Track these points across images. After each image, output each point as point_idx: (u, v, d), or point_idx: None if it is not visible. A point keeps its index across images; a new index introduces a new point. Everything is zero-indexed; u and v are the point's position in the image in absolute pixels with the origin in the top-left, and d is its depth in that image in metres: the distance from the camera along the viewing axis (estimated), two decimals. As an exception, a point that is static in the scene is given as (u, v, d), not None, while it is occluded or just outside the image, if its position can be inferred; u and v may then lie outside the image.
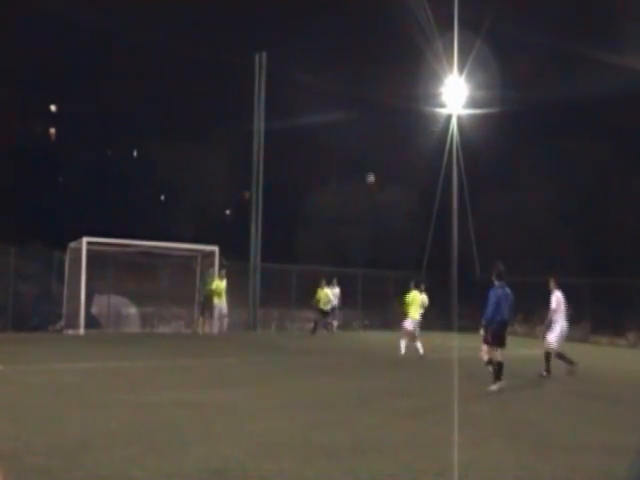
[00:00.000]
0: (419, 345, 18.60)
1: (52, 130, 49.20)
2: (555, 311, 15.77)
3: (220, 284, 25.52)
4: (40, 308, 24.59)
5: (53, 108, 48.98)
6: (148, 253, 26.88)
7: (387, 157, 38.56)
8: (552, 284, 15.89)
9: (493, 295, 13.20)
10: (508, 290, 13.43)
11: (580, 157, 33.66)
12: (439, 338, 25.70)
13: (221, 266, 26.22)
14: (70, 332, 23.82)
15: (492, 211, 36.15)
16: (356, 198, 40.24)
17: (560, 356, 15.80)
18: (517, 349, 23.31)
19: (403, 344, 18.90)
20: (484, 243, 34.34)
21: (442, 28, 33.20)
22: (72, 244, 25.15)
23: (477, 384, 14.06)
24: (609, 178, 34.73)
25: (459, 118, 35.32)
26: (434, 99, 35.71)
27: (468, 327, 30.17)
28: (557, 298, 15.85)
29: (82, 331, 23.81)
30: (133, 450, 7.75)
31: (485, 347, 13.48)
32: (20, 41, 36.33)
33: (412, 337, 18.87)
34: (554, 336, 15.81)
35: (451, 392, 12.20)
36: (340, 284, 28.65)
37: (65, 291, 24.87)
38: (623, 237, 34.42)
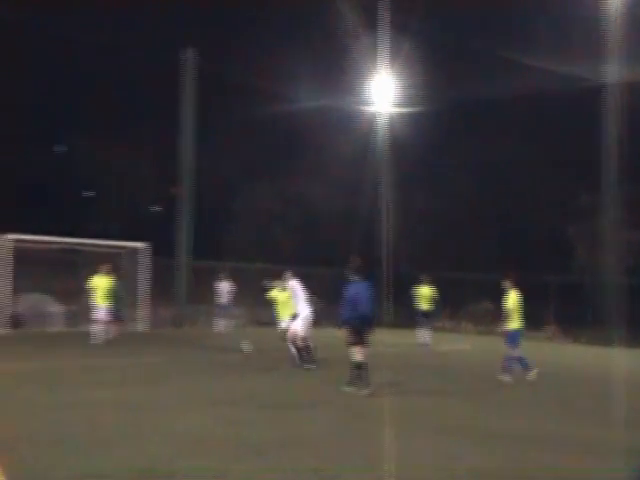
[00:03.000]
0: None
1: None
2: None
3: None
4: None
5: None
6: (73, 250, 26.40)
7: (314, 154, 38.73)
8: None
9: (351, 291, 12.36)
10: (366, 284, 12.54)
11: (498, 154, 34.64)
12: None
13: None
14: (-6, 331, 23.27)
15: (414, 207, 36.90)
16: (285, 196, 40.33)
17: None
18: (442, 345, 23.90)
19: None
20: (409, 241, 35.19)
21: (370, 26, 33.53)
22: (-4, 240, 24.53)
23: (401, 380, 14.37)
24: (525, 174, 35.88)
25: (385, 116, 35.81)
26: (361, 97, 36.09)
27: (400, 323, 30.67)
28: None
29: (3, 330, 23.31)
30: (55, 452, 7.65)
31: (356, 349, 12.45)
32: None
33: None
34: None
35: (378, 388, 12.43)
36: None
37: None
38: (537, 232, 35.71)
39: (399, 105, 35.70)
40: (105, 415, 9.73)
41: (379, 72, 34.72)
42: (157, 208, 48.25)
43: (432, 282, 23.51)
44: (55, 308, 26.59)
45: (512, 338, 15.09)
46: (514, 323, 15.15)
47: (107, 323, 20.65)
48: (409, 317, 31.25)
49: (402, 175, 35.15)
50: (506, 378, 14.82)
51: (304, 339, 16.10)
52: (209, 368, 15.82)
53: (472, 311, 33.40)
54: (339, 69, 35.93)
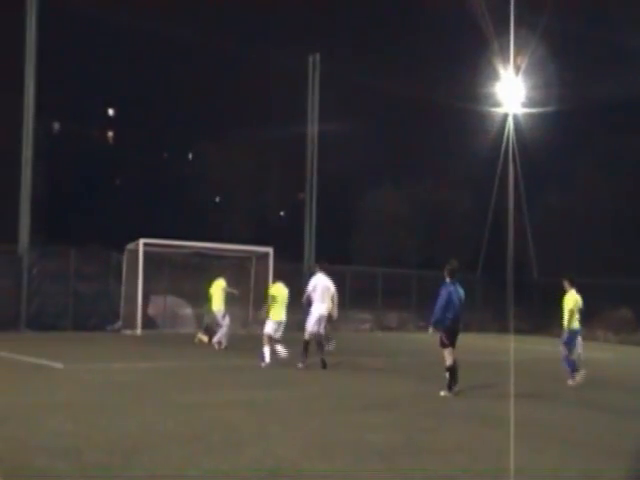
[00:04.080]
0: None
1: (110, 133, 50.15)
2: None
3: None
4: (98, 308, 25.03)
5: (111, 112, 49.91)
6: (203, 254, 27.11)
7: (442, 157, 38.28)
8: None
9: (444, 292, 12.48)
10: (460, 288, 12.75)
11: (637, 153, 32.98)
12: (494, 340, 25.36)
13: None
14: (127, 332, 24.20)
15: (549, 212, 35.62)
16: (411, 198, 40.01)
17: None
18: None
19: None
20: (541, 244, 33.84)
21: (498, 26, 32.81)
22: (129, 245, 25.53)
23: (535, 387, 13.85)
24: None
25: (516, 117, 34.86)
26: (490, 98, 35.31)
27: (524, 329, 29.76)
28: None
29: (139, 331, 24.16)
30: (189, 449, 7.82)
31: (446, 351, 12.52)
32: (77, 46, 37.11)
33: None
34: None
35: (507, 395, 12.02)
36: (394, 284, 28.38)
37: (122, 292, 25.26)
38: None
39: (530, 105, 34.67)
40: (235, 415, 9.85)
41: (509, 72, 33.87)
42: (282, 213, 49.04)
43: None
44: (187, 310, 27.36)
45: None
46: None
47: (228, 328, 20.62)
48: (535, 322, 30.26)
49: (534, 176, 34.07)
50: None
51: (311, 334, 15.81)
52: (336, 371, 15.78)
53: (609, 318, 31.76)
54: (467, 69, 35.33)
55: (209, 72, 41.96)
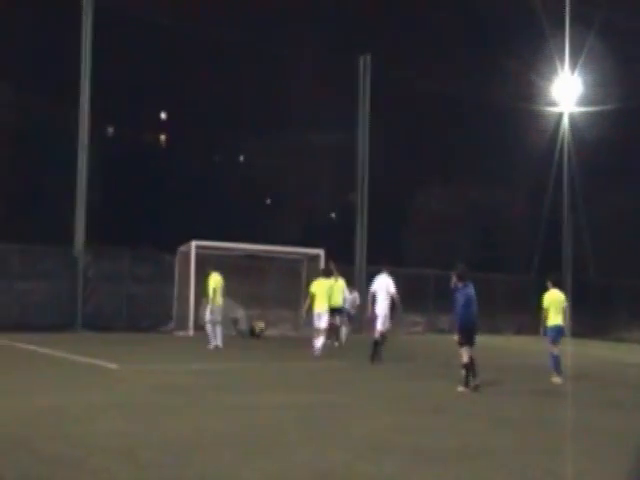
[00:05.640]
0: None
1: (162, 137, 50.78)
2: None
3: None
4: (152, 309, 25.30)
5: (163, 116, 50.55)
6: (254, 256, 27.21)
7: (497, 157, 37.78)
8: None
9: (462, 296, 13.00)
10: (471, 289, 13.14)
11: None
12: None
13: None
14: (180, 333, 24.40)
15: (607, 211, 34.80)
16: (463, 199, 39.61)
17: None
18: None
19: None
20: (598, 244, 33.08)
21: (553, 24, 32.27)
22: (181, 247, 25.76)
23: (591, 392, 13.54)
24: None
25: (571, 116, 34.21)
26: (545, 97, 34.73)
27: (583, 333, 29.15)
28: None
29: (191, 332, 24.34)
30: (241, 450, 7.82)
31: (462, 349, 12.99)
32: (130, 51, 37.65)
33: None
34: None
35: (562, 400, 11.79)
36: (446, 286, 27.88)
37: (175, 293, 25.49)
38: None
39: (586, 104, 33.98)
40: (286, 418, 9.83)
41: (564, 71, 33.28)
42: (333, 215, 49.02)
43: None
44: (239, 312, 27.47)
45: None
46: None
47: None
48: (593, 325, 29.56)
49: (594, 176, 33.33)
50: None
51: (380, 333, 16.71)
52: (387, 374, 15.67)
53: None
54: (522, 68, 34.78)
55: (260, 74, 42.18)
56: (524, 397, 12.87)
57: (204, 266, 24.77)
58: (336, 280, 20.22)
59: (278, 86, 42.22)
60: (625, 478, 7.27)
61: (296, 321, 27.88)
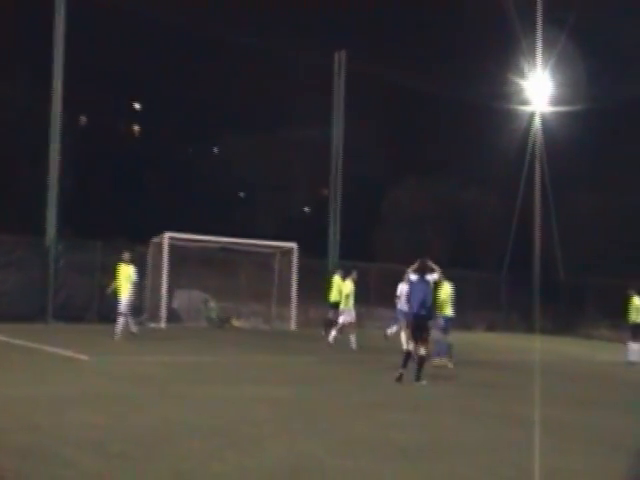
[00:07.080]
0: None
1: (136, 127, 50.39)
2: None
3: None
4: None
5: (137, 106, 50.16)
6: (227, 249, 27.18)
7: (468, 156, 38.04)
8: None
9: (410, 288, 13.85)
10: (424, 283, 13.50)
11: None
12: (520, 340, 25.17)
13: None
14: (152, 325, 24.30)
15: (577, 210, 35.21)
16: (436, 197, 39.81)
17: None
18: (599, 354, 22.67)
19: None
20: (569, 243, 33.48)
21: (525, 24, 32.51)
22: (154, 239, 25.65)
23: (560, 388, 13.71)
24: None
25: (543, 116, 34.52)
26: (518, 96, 35.00)
27: (551, 329, 29.51)
28: None
29: (163, 324, 24.27)
30: (212, 443, 7.81)
31: (409, 340, 13.59)
32: (103, 40, 37.32)
33: None
34: None
35: (531, 395, 11.91)
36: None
37: (147, 285, 25.36)
38: None
39: (558, 104, 34.30)
40: (259, 411, 9.83)
41: (536, 70, 33.56)
42: (307, 209, 49.03)
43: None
44: (211, 304, 27.43)
45: None
46: None
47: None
48: (561, 322, 29.92)
49: (563, 175, 33.68)
50: None
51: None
52: (364, 370, 15.73)
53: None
54: (495, 67, 35.03)
55: (235, 67, 42.01)
56: (496, 392, 13.00)
57: (177, 258, 24.75)
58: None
59: (253, 79, 42.10)
60: (597, 472, 7.32)
61: (268, 314, 27.92)
